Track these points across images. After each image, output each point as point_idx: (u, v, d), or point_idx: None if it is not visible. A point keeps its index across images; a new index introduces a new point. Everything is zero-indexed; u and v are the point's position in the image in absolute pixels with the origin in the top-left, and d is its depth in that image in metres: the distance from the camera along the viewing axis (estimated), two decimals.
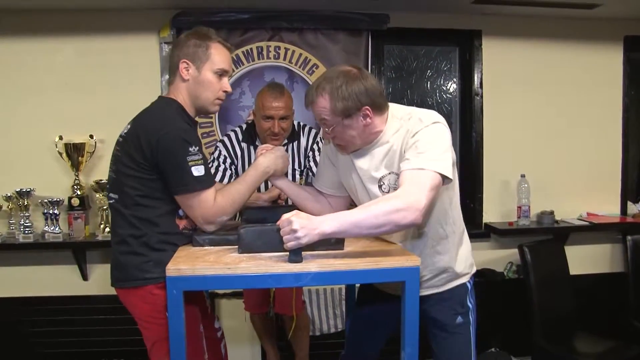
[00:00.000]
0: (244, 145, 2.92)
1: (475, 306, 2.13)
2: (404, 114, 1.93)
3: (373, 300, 2.23)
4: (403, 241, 2.00)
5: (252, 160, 2.71)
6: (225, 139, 2.95)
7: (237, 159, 2.92)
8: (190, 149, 1.87)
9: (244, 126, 3.01)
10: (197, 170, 1.88)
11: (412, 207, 1.66)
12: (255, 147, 2.86)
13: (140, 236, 1.93)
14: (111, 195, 2.00)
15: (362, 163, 1.98)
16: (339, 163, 2.11)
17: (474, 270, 2.16)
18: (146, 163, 1.89)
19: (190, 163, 1.87)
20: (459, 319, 2.06)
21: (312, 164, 2.92)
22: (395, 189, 1.85)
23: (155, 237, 1.93)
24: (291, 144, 2.93)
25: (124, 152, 1.94)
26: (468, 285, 2.11)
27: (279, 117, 2.77)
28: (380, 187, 1.95)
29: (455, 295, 2.07)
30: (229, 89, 2.06)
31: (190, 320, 2.03)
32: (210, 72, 1.98)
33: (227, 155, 2.91)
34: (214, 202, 1.93)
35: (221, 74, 2.01)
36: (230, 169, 2.89)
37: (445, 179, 1.78)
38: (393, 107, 1.97)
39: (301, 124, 3.02)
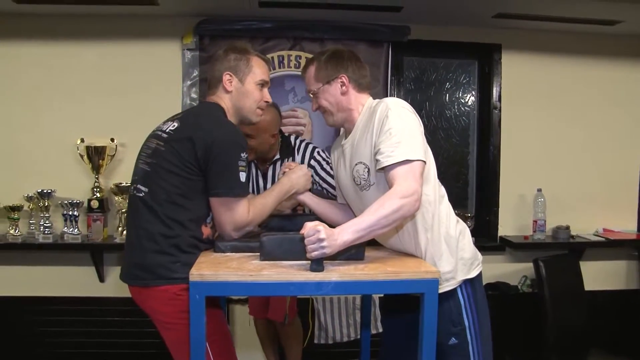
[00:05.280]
0: None
1: (477, 320, 1.96)
2: (375, 103, 2.00)
3: (397, 311, 2.19)
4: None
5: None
6: None
7: (245, 172, 2.88)
8: (242, 154, 1.94)
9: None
10: (243, 177, 1.94)
11: (412, 199, 1.76)
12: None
13: (172, 237, 1.91)
14: (140, 187, 1.97)
15: (346, 157, 2.05)
16: (337, 166, 2.16)
17: (472, 274, 1.98)
18: (194, 162, 1.90)
19: (239, 167, 1.93)
20: (453, 340, 1.94)
21: (317, 178, 2.92)
22: (365, 179, 1.94)
23: (186, 239, 1.93)
24: (286, 160, 2.88)
25: (169, 148, 1.94)
26: (461, 296, 1.96)
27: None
28: (353, 178, 1.99)
29: (445, 310, 1.91)
30: (270, 99, 2.17)
31: (222, 321, 2.06)
32: (253, 83, 2.08)
33: None
34: (248, 211, 1.97)
35: (262, 84, 2.11)
36: None
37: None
38: (372, 100, 2.05)
39: (298, 139, 3.00)
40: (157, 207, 1.92)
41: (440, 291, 1.87)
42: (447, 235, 1.96)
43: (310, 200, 2.27)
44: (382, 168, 1.83)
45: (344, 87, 2.00)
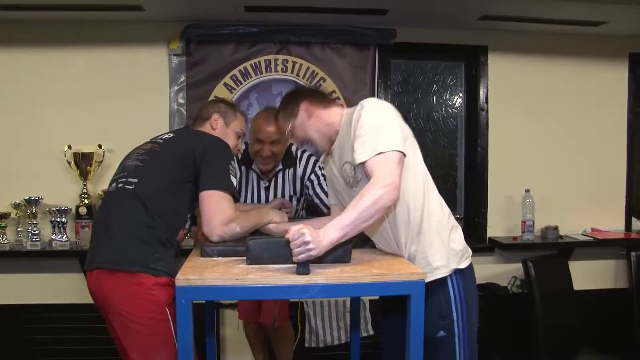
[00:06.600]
0: (243, 168, 2.96)
1: (465, 314, 1.96)
2: (354, 108, 2.04)
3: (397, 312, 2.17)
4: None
5: (249, 182, 2.92)
6: None
7: (236, 178, 2.97)
8: (232, 163, 2.13)
9: (243, 147, 3.02)
10: (233, 181, 2.12)
11: (390, 188, 1.79)
12: (251, 170, 2.93)
13: (154, 227, 1.97)
14: (129, 180, 2.05)
15: (335, 160, 2.12)
16: (329, 171, 2.22)
17: (462, 265, 1.98)
18: (189, 160, 2.06)
19: (230, 171, 2.12)
20: (441, 333, 1.95)
21: (312, 192, 2.96)
22: (352, 177, 1.99)
23: (165, 234, 2.00)
24: (287, 170, 2.95)
25: (166, 149, 2.14)
26: (451, 288, 1.96)
27: (269, 141, 2.77)
28: (343, 178, 2.04)
29: (435, 303, 1.93)
30: (241, 151, 2.54)
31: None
32: (234, 131, 2.37)
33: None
34: (235, 211, 2.06)
35: (240, 135, 2.40)
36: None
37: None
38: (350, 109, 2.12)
39: (299, 151, 3.03)
40: (145, 198, 1.99)
41: (431, 279, 1.90)
42: (439, 225, 1.98)
43: (281, 225, 2.33)
44: (361, 164, 1.87)
45: (307, 112, 2.10)
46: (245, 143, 3.05)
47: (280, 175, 2.95)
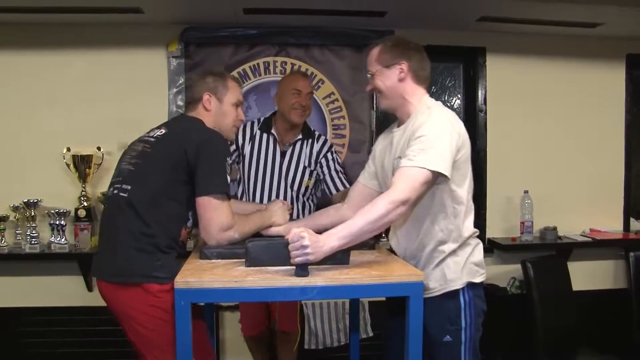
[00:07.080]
0: (258, 132, 3.09)
1: (474, 323, 2.01)
2: (431, 104, 2.04)
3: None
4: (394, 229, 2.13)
5: (268, 148, 3.03)
6: (240, 128, 3.02)
7: (247, 143, 3.07)
8: (228, 159, 2.06)
9: (262, 119, 3.16)
10: (228, 179, 2.04)
11: (399, 204, 1.80)
12: (271, 135, 3.05)
13: (152, 235, 1.96)
14: (124, 186, 2.02)
15: (393, 145, 2.10)
16: (383, 147, 2.20)
17: (476, 280, 2.02)
18: (182, 162, 1.99)
19: (226, 170, 2.04)
20: (447, 338, 1.98)
21: (324, 170, 3.11)
22: None
23: (164, 240, 1.98)
24: (306, 141, 3.11)
25: (157, 150, 2.05)
26: (462, 298, 2.00)
27: (306, 92, 3.00)
28: (393, 167, 2.04)
29: (444, 308, 1.99)
30: (244, 118, 2.37)
31: (201, 331, 2.07)
32: (230, 103, 2.24)
33: (235, 148, 3.08)
34: (233, 215, 2.03)
35: (238, 104, 2.28)
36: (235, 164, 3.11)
37: (440, 175, 1.88)
38: (430, 100, 2.08)
39: (317, 132, 3.20)
40: (139, 206, 1.97)
41: (444, 291, 1.98)
42: (465, 244, 2.03)
43: (288, 226, 2.30)
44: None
45: (402, 74, 2.03)
46: (265, 118, 3.16)
47: (299, 144, 3.09)
